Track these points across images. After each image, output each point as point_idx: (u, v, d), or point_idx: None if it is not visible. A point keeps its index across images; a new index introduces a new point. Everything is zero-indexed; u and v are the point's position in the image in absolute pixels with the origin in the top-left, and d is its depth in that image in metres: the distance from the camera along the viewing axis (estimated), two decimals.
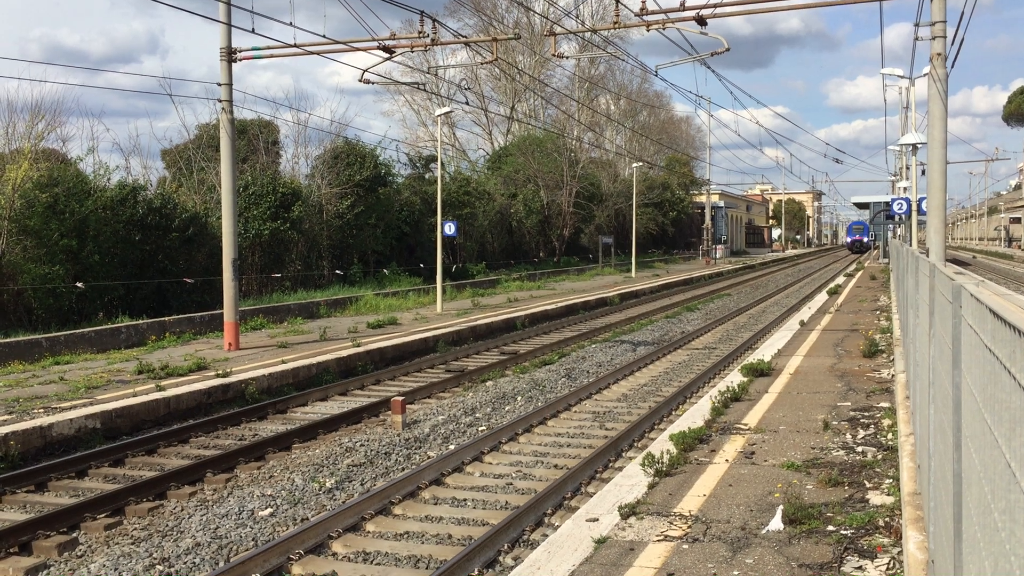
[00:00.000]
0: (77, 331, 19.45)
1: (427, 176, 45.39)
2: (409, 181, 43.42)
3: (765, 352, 17.53)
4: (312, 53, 19.05)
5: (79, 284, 22.49)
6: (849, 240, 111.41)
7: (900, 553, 6.47)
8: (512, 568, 7.57)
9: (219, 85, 19.37)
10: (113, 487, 10.22)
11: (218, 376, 15.29)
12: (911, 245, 29.02)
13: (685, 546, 6.76)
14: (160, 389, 14.14)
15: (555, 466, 11.01)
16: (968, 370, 3.64)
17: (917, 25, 16.60)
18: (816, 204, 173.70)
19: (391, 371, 18.00)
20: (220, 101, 19.42)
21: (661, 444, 9.99)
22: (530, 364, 19.11)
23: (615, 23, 18.42)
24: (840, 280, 44.57)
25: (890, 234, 65.58)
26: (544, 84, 61.82)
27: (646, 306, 33.83)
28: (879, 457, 9.28)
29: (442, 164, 33.16)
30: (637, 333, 24.86)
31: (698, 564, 6.40)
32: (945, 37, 15.77)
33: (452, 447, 11.91)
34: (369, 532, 8.73)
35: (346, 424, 13.53)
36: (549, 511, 9.14)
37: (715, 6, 16.75)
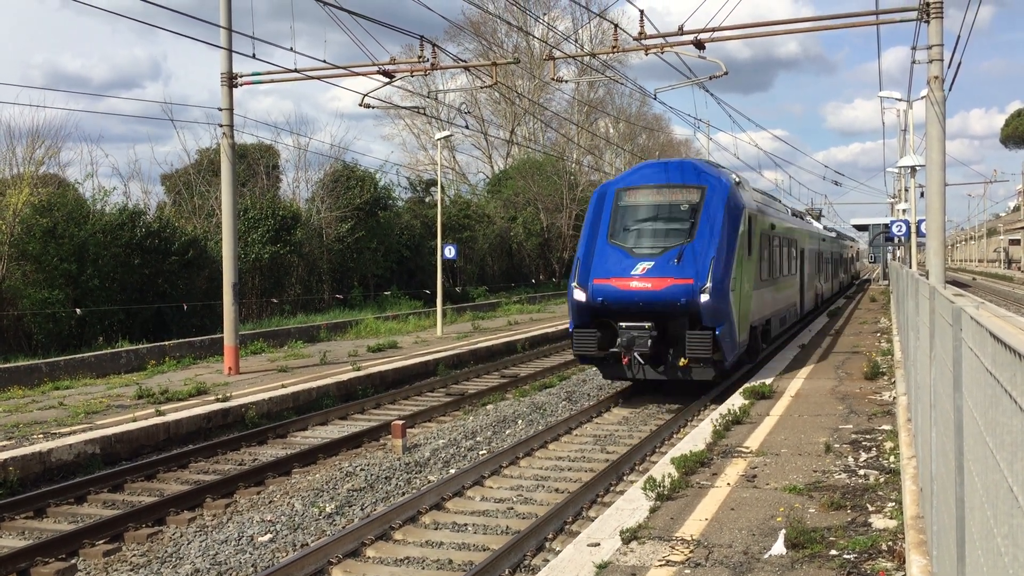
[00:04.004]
0: (77, 356, 19.43)
1: (427, 199, 45.53)
2: (409, 205, 43.56)
3: (766, 374, 17.50)
4: (313, 78, 19.14)
5: (78, 309, 22.49)
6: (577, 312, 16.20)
7: None
8: None
9: (220, 110, 19.46)
10: (112, 513, 10.17)
11: (218, 401, 15.25)
12: (911, 267, 29.07)
13: (687, 571, 6.72)
14: (160, 414, 14.10)
15: (556, 490, 10.96)
16: (969, 393, 3.63)
17: (914, 48, 16.72)
18: None
19: (391, 395, 17.96)
20: (221, 126, 19.51)
21: (662, 467, 9.95)
22: (531, 387, 19.07)
23: (614, 47, 18.53)
24: (840, 302, 44.55)
25: (890, 256, 65.64)
26: (543, 108, 62.12)
27: None
28: (881, 480, 9.24)
29: (442, 187, 33.26)
30: None
31: None
32: (942, 60, 15.85)
33: (453, 471, 11.86)
34: (369, 558, 8.68)
35: (346, 448, 13.48)
36: (550, 536, 9.09)
37: (713, 30, 16.85)
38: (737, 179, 17.80)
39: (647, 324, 15.37)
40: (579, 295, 16.00)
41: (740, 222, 16.32)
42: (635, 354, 15.41)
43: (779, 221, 22.02)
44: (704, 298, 15.07)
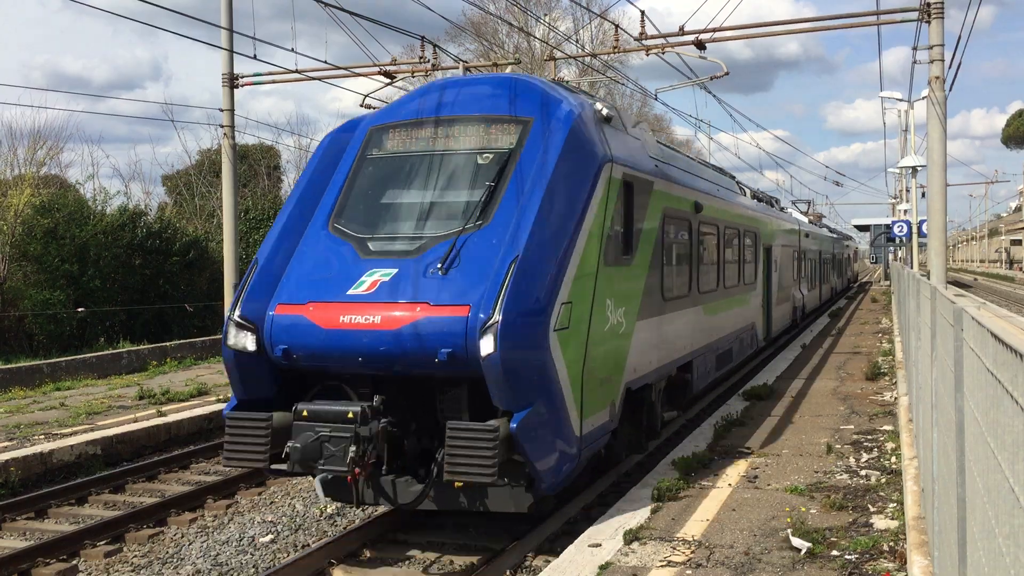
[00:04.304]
0: (78, 357, 19.43)
1: None
2: None
3: (767, 375, 17.48)
4: (314, 79, 19.16)
5: (80, 309, 22.51)
6: None
7: None
8: None
9: (221, 111, 19.47)
10: (113, 514, 10.16)
11: (219, 401, 15.25)
12: (912, 268, 29.07)
13: (689, 572, 6.72)
14: (161, 415, 14.11)
15: None
16: (970, 393, 3.63)
17: (915, 49, 16.69)
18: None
19: None
20: (222, 127, 19.52)
21: (664, 468, 9.95)
22: None
23: (615, 48, 18.54)
24: (841, 303, 44.54)
25: (891, 256, 65.62)
26: None
27: None
28: (883, 481, 9.24)
29: None
30: None
31: None
32: (943, 60, 15.84)
33: None
34: (371, 558, 8.67)
35: None
36: (552, 536, 9.07)
37: (714, 31, 16.85)
38: (605, 112, 9.19)
39: (352, 411, 7.50)
40: (239, 339, 8.17)
41: (598, 187, 8.42)
42: (325, 471, 7.74)
43: (712, 201, 13.86)
44: (488, 346, 7.16)
